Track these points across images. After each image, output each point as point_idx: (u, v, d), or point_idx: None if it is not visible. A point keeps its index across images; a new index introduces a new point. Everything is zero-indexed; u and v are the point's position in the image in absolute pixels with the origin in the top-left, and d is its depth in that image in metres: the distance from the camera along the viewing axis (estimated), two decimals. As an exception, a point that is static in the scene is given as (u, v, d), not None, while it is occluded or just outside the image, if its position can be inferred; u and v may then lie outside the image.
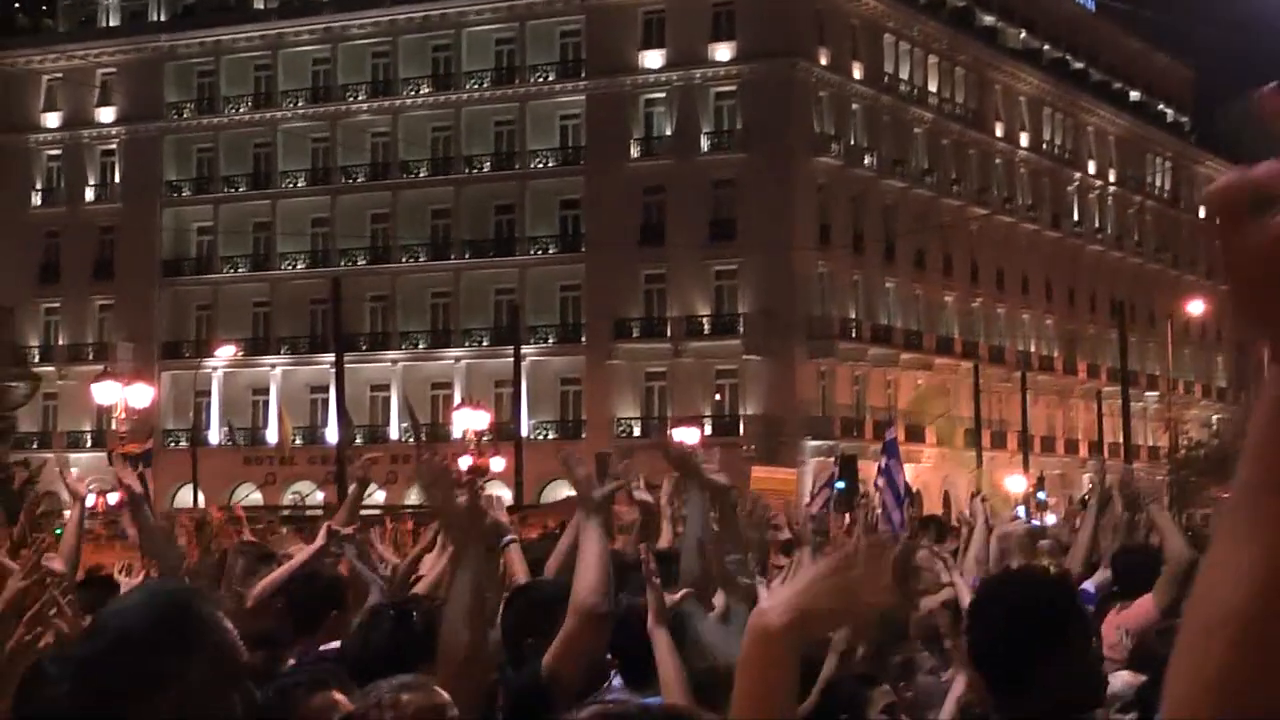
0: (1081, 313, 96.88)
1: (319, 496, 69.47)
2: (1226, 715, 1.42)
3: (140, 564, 10.20)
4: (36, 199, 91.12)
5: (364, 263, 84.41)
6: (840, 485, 35.27)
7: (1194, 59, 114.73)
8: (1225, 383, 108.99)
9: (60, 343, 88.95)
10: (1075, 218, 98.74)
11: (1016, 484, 69.01)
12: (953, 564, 8.72)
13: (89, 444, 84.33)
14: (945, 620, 7.33)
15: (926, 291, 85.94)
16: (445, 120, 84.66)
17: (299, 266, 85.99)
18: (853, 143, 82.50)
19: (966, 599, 6.74)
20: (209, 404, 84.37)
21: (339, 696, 4.12)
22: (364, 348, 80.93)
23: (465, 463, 58.37)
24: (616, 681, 5.97)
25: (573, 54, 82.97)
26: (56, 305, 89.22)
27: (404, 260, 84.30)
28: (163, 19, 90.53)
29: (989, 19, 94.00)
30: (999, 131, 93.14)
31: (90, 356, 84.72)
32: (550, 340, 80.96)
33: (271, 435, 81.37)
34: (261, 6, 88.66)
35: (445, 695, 4.32)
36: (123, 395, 53.03)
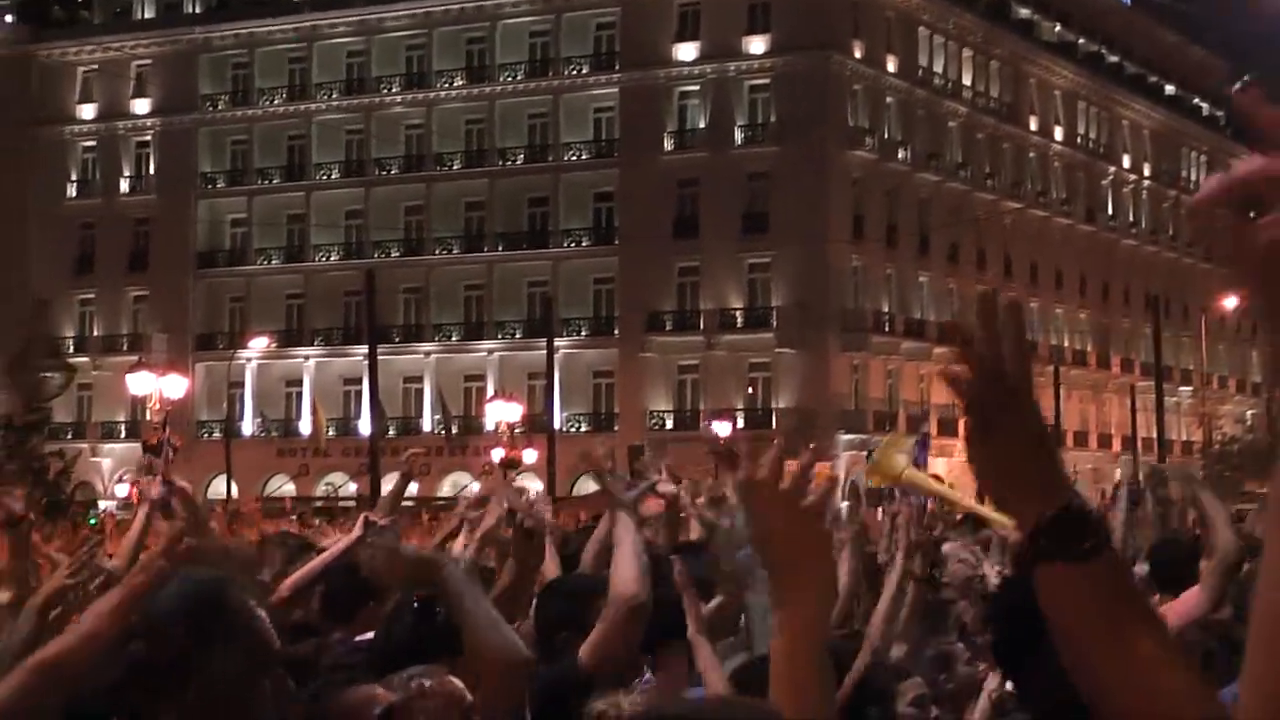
0: (1115, 307, 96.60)
1: (352, 488, 69.75)
2: None
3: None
4: (72, 191, 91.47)
5: (397, 255, 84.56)
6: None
7: (1229, 52, 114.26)
8: (1259, 377, 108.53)
9: (95, 334, 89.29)
10: (1110, 212, 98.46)
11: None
12: (984, 556, 8.68)
13: (123, 435, 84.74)
14: (974, 615, 7.33)
15: (960, 285, 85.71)
16: (479, 112, 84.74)
17: (333, 258, 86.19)
18: (887, 136, 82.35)
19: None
20: (242, 395, 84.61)
21: (380, 690, 4.14)
22: (397, 340, 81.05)
23: (498, 454, 58.58)
24: (649, 675, 5.97)
25: (607, 46, 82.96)
26: (91, 296, 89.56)
27: (437, 252, 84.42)
28: (197, 11, 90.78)
29: (1024, 12, 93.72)
30: (1034, 125, 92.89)
31: (125, 348, 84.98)
32: (583, 333, 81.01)
33: (305, 427, 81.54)
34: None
35: (460, 683, 4.34)
36: (157, 386, 53.17)
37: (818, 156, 77.17)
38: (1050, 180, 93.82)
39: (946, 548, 10.49)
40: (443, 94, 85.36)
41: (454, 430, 71.84)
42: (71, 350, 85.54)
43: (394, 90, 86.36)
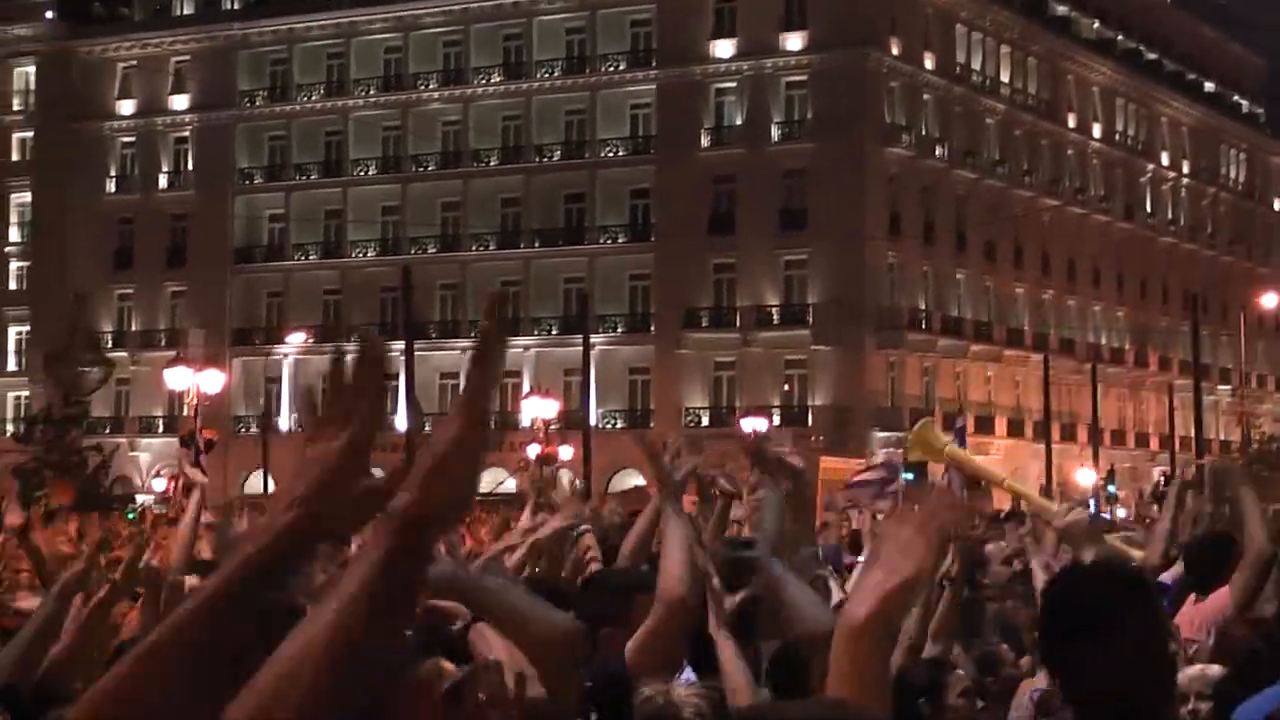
0: (1153, 305, 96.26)
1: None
2: None
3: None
4: (111, 186, 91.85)
5: (434, 251, 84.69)
6: (909, 476, 35.19)
7: (1268, 49, 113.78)
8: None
9: (133, 328, 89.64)
10: (1148, 209, 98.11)
11: (1086, 477, 68.65)
12: (1035, 551, 8.65)
13: (160, 429, 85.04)
14: (1025, 614, 7.33)
15: (997, 283, 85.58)
16: (516, 109, 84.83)
17: (369, 254, 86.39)
18: (924, 133, 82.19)
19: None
20: (279, 390, 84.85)
21: (447, 665, 4.17)
22: (434, 335, 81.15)
23: (533, 451, 58.61)
24: (688, 672, 5.99)
25: (644, 43, 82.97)
26: (130, 291, 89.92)
27: (474, 249, 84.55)
28: (236, 7, 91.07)
29: (1062, 9, 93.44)
30: (1071, 122, 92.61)
31: (162, 343, 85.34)
32: (619, 329, 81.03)
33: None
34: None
35: (524, 659, 4.38)
36: (194, 381, 53.33)
37: (854, 153, 77.06)
38: (1088, 177, 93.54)
39: (989, 549, 10.49)
40: (479, 91, 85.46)
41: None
42: (110, 345, 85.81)
43: (431, 87, 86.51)
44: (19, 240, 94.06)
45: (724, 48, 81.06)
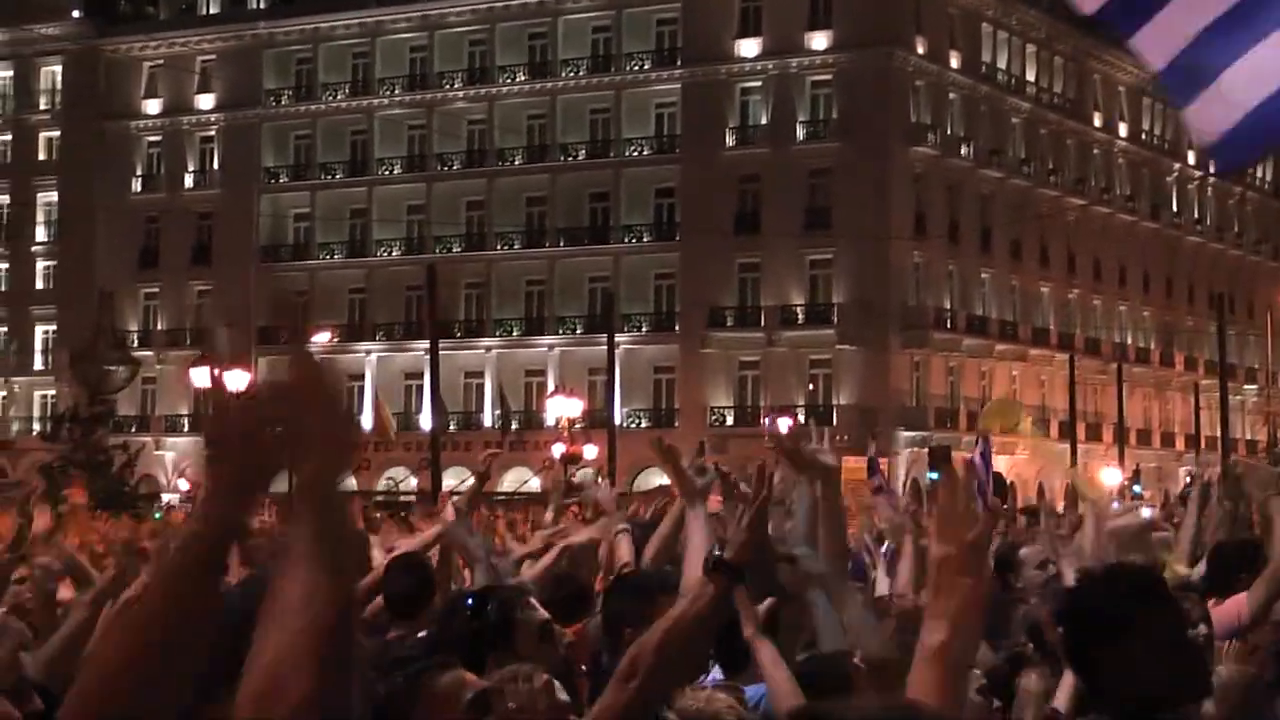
0: (1179, 304, 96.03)
1: (413, 482, 69.92)
2: None
3: None
4: (137, 185, 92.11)
5: (459, 250, 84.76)
6: (933, 476, 35.13)
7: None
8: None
9: (159, 327, 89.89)
10: (1174, 208, 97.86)
11: (1112, 477, 68.43)
12: (1063, 552, 8.62)
13: (186, 428, 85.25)
14: (1046, 611, 7.30)
15: (1022, 282, 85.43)
16: (541, 108, 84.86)
17: (394, 253, 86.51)
18: (949, 132, 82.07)
19: None
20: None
21: (469, 676, 4.18)
22: (458, 334, 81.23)
23: (558, 450, 58.65)
24: (716, 672, 5.98)
25: (669, 42, 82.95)
26: (155, 290, 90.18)
27: (499, 247, 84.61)
28: (261, 6, 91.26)
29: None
30: (1097, 121, 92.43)
31: (188, 341, 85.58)
32: (644, 328, 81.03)
33: (366, 421, 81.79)
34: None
35: (547, 676, 4.38)
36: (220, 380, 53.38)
37: (880, 153, 76.98)
38: (1114, 176, 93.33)
39: (1024, 552, 10.43)
40: (504, 89, 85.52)
41: (512, 425, 71.95)
42: (135, 344, 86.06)
43: (456, 85, 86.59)
44: (45, 239, 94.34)
45: (749, 47, 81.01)
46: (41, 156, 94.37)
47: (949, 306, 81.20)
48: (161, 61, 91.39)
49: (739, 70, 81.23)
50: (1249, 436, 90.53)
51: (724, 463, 8.20)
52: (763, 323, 79.12)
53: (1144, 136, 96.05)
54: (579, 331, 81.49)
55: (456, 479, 60.52)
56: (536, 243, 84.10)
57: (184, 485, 74.10)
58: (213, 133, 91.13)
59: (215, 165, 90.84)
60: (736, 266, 79.78)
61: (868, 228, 75.77)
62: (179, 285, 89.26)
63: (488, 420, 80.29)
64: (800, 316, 79.05)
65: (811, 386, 78.46)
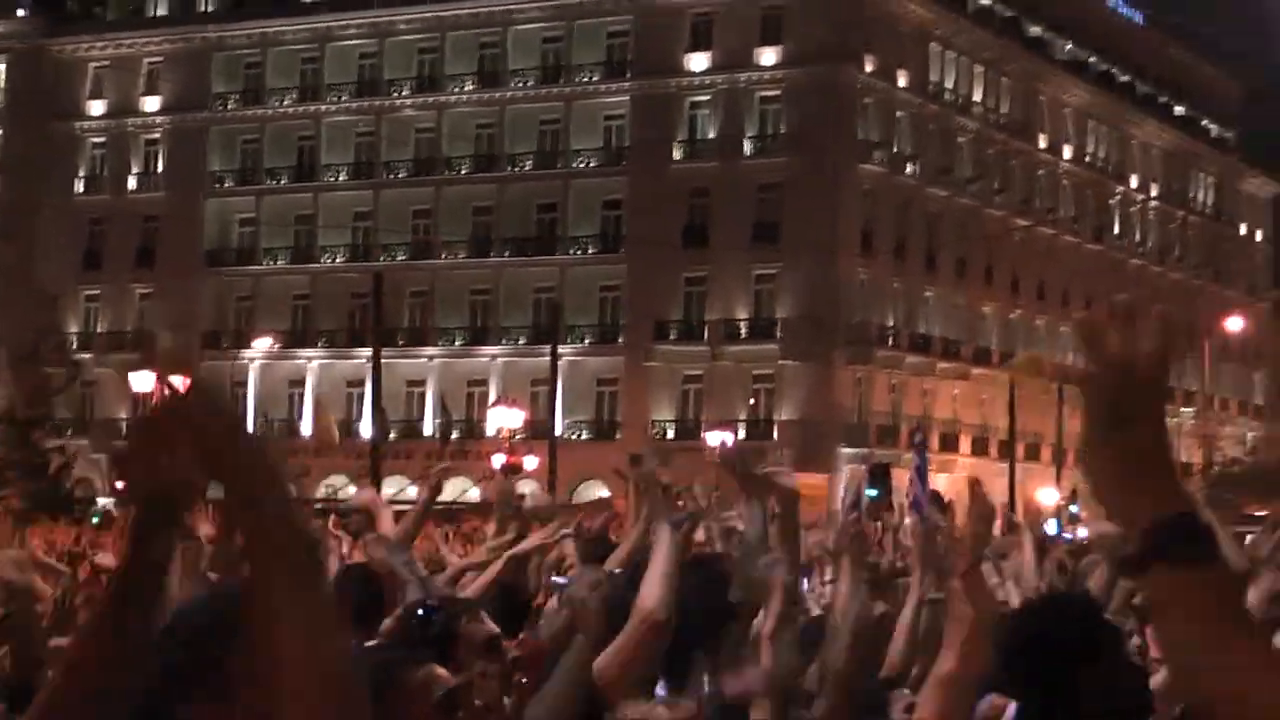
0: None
1: (352, 490, 69.64)
2: None
3: None
4: (80, 186, 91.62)
5: (404, 258, 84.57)
6: (872, 493, 35.25)
7: (1240, 74, 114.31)
8: (1262, 400, 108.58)
9: (100, 330, 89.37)
10: (1117, 231, 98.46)
11: (1049, 496, 68.77)
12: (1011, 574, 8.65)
13: (124, 433, 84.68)
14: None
15: (967, 301, 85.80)
16: (490, 117, 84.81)
17: (340, 260, 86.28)
18: (897, 150, 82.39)
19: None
20: (245, 395, 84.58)
21: (440, 671, 4.18)
22: (402, 343, 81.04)
23: (499, 460, 58.57)
24: (659, 689, 5.96)
25: (619, 54, 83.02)
26: (97, 293, 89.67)
27: (444, 256, 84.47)
28: (210, 9, 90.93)
29: (1037, 29, 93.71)
30: (1044, 142, 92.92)
31: (130, 345, 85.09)
32: (588, 340, 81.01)
33: (305, 428, 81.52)
34: (309, 0, 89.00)
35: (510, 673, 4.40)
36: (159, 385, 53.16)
37: (828, 169, 77.21)
38: (1059, 198, 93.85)
39: (984, 567, 10.44)
40: (454, 98, 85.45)
41: (453, 435, 71.83)
42: (77, 346, 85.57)
43: (405, 93, 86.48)
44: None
45: (699, 60, 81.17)
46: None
47: (893, 324, 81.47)
48: (108, 63, 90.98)
49: (689, 84, 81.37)
50: (1186, 459, 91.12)
51: (666, 475, 8.18)
52: (707, 336, 79.20)
53: (1089, 158, 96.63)
54: (523, 342, 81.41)
55: (396, 488, 60.39)
56: (483, 252, 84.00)
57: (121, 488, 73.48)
58: (158, 135, 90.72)
59: (160, 168, 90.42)
60: (683, 280, 79.86)
61: (815, 243, 76.00)
62: (122, 288, 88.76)
63: (429, 429, 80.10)
64: (744, 331, 79.17)
65: (754, 401, 78.58)
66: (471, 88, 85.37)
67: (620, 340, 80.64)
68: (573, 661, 5.43)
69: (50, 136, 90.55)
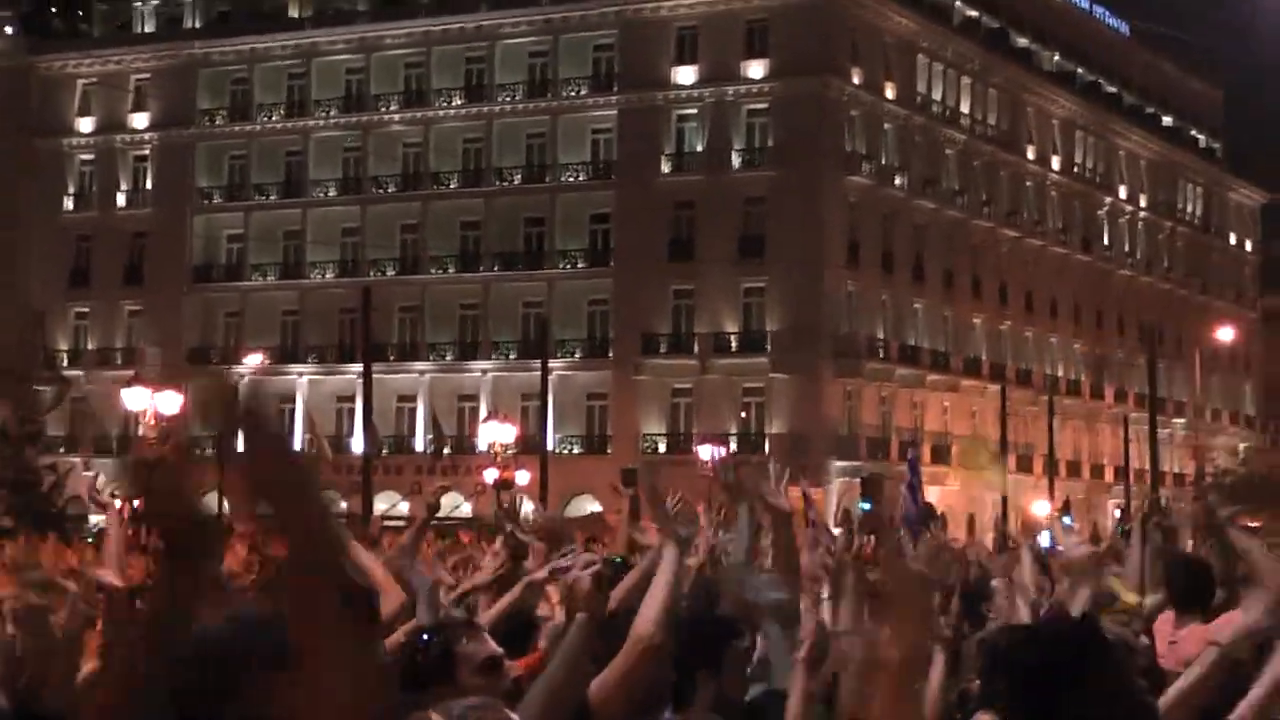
0: (1110, 337, 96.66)
1: (343, 506, 69.60)
2: None
3: None
4: (69, 203, 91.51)
5: (393, 273, 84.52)
6: (865, 506, 35.28)
7: (1226, 85, 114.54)
8: (1253, 410, 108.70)
9: (89, 347, 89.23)
10: (1105, 241, 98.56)
11: (1041, 508, 68.76)
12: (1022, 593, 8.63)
13: (115, 449, 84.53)
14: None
15: (955, 313, 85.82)
16: (477, 132, 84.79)
17: (328, 276, 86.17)
18: (884, 162, 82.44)
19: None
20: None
21: (435, 715, 4.16)
22: (391, 358, 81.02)
23: (490, 475, 58.52)
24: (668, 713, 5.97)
25: (605, 68, 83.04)
26: (86, 310, 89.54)
27: (433, 271, 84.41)
28: (197, 26, 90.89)
29: (1023, 41, 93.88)
30: (1030, 154, 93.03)
31: (119, 361, 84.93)
32: (578, 354, 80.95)
33: (297, 444, 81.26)
34: (296, 15, 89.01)
35: (511, 715, 4.36)
36: (151, 401, 53.06)
37: (814, 181, 77.25)
38: (1047, 209, 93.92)
39: (995, 583, 10.44)
40: (441, 113, 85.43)
41: (444, 450, 71.76)
42: (66, 363, 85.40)
43: (392, 108, 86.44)
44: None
45: (686, 74, 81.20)
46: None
47: (882, 336, 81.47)
48: (95, 79, 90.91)
49: (675, 97, 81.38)
50: (1177, 469, 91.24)
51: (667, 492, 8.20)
52: (696, 350, 79.17)
53: (1076, 169, 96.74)
54: (512, 357, 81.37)
55: (387, 503, 60.37)
56: (471, 267, 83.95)
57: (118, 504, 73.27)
58: (146, 152, 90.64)
59: (148, 184, 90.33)
60: (671, 293, 79.83)
61: (802, 256, 76.03)
62: (110, 305, 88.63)
63: (419, 444, 80.00)
64: (733, 344, 79.14)
65: (744, 414, 78.53)
66: (459, 102, 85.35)
67: (609, 354, 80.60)
68: (573, 639, 5.36)
69: (38, 153, 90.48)
